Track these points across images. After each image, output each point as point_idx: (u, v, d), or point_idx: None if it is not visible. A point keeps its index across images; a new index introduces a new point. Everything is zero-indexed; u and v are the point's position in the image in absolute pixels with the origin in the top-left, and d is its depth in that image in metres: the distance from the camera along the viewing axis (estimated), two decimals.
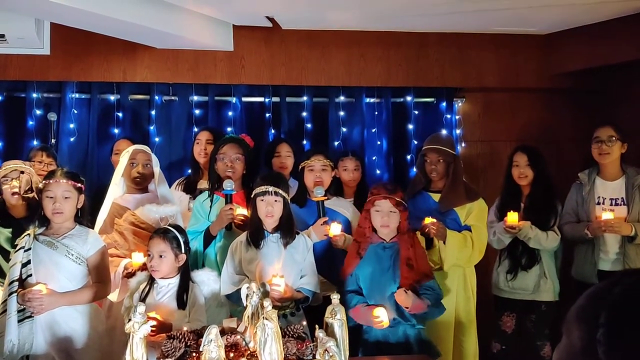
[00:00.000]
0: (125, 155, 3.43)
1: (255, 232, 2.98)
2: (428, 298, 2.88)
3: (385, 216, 2.96)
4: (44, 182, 2.86)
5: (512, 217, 3.47)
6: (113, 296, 3.14)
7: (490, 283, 3.75)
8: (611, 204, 3.55)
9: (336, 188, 3.59)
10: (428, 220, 3.29)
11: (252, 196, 3.02)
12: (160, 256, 2.79)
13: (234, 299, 2.84)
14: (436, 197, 3.51)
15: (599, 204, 3.58)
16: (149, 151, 3.50)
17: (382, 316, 2.79)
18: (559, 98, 4.80)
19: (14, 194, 3.21)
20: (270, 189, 2.92)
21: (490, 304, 3.74)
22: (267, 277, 2.87)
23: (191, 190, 3.72)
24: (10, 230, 3.18)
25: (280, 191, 2.94)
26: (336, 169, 3.69)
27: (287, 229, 2.98)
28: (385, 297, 2.90)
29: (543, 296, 3.58)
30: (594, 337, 0.84)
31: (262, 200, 2.94)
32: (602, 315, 0.85)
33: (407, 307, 2.82)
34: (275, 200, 2.94)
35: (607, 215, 3.43)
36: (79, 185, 2.87)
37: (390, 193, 2.96)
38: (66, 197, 2.81)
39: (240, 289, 2.55)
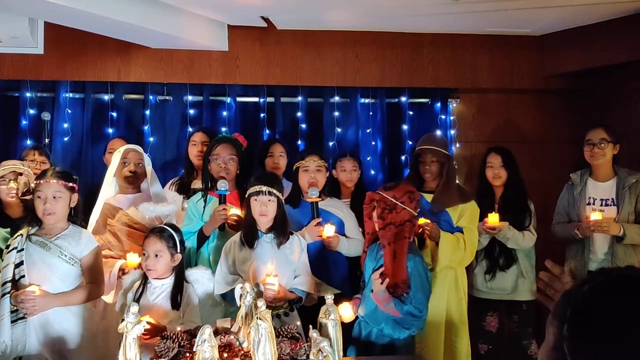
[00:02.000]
0: (117, 154, 3.42)
1: (249, 232, 2.97)
2: (399, 306, 2.78)
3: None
4: (35, 182, 2.85)
5: (493, 218, 3.51)
6: (108, 298, 3.13)
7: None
8: (601, 205, 3.57)
9: (332, 188, 3.59)
10: (422, 221, 3.29)
11: (246, 196, 3.01)
12: (156, 255, 2.78)
13: (229, 298, 2.84)
14: (429, 197, 3.51)
15: (589, 204, 3.60)
16: (141, 150, 3.50)
17: (344, 312, 2.79)
18: (553, 99, 4.81)
19: (10, 195, 3.20)
20: (264, 188, 2.92)
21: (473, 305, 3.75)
22: (260, 277, 2.86)
23: (185, 190, 3.71)
24: (8, 230, 3.16)
25: (274, 191, 2.94)
26: (334, 169, 3.69)
27: (281, 229, 2.98)
28: (365, 296, 2.92)
29: (521, 296, 3.62)
30: (562, 333, 0.86)
31: (256, 200, 2.94)
32: (568, 312, 0.87)
33: (372, 292, 2.80)
34: (269, 200, 2.94)
35: (595, 216, 3.46)
36: (71, 184, 2.85)
37: (386, 190, 2.92)
38: (57, 197, 2.79)
39: (234, 288, 2.54)
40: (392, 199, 2.85)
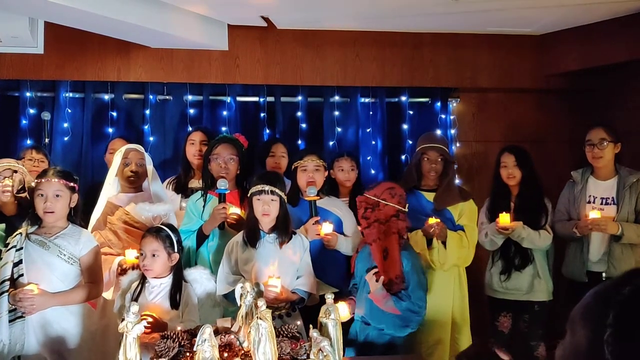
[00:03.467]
0: (118, 154, 3.42)
1: (251, 232, 2.97)
2: (398, 303, 2.79)
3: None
4: (36, 180, 2.85)
5: (504, 218, 3.48)
6: (108, 294, 3.13)
7: (481, 284, 3.75)
8: (601, 203, 3.56)
9: (330, 188, 3.59)
10: (432, 220, 3.31)
11: (248, 195, 3.02)
12: (153, 255, 2.78)
13: (231, 298, 2.83)
14: (429, 195, 3.52)
15: (589, 202, 3.60)
16: (142, 150, 3.50)
17: (340, 311, 2.79)
18: (553, 98, 4.80)
19: (5, 192, 3.19)
20: (267, 188, 2.92)
21: (480, 304, 3.74)
22: (263, 278, 2.86)
23: (182, 189, 3.71)
24: (3, 227, 3.16)
25: (277, 190, 2.94)
26: (332, 169, 3.70)
27: (284, 229, 2.99)
28: (361, 297, 2.93)
29: (537, 296, 3.59)
30: (601, 338, 0.82)
31: (259, 199, 2.94)
32: (611, 316, 0.83)
33: (369, 293, 2.81)
34: (272, 200, 2.94)
35: (593, 214, 3.45)
36: (72, 184, 2.86)
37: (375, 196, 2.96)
38: (58, 196, 2.79)
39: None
40: (373, 197, 2.91)
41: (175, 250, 2.83)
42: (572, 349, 0.89)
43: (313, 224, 3.27)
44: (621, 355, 0.81)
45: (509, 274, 3.60)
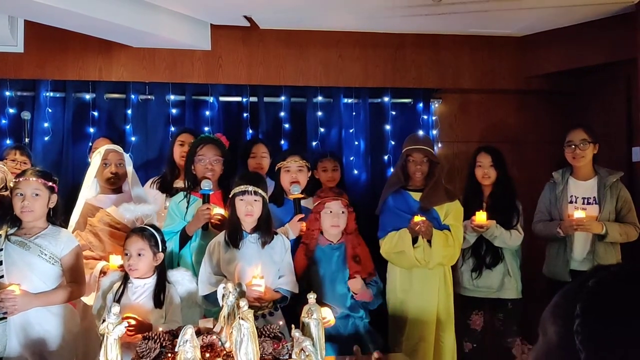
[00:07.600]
0: (97, 155, 3.39)
1: (233, 232, 2.97)
2: (372, 289, 3.16)
3: (335, 217, 3.15)
4: (14, 180, 2.83)
5: (481, 217, 3.53)
6: (89, 299, 3.10)
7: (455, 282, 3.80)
8: (583, 203, 3.61)
9: (313, 188, 3.60)
10: (418, 218, 3.33)
11: (230, 196, 3.01)
12: (139, 254, 2.78)
13: (212, 299, 2.83)
14: (415, 195, 3.54)
15: (571, 202, 3.64)
16: (122, 151, 3.47)
17: (328, 316, 2.85)
18: (534, 99, 4.86)
19: None
20: (250, 188, 2.93)
21: (456, 303, 3.78)
22: (246, 278, 2.87)
23: (167, 189, 3.69)
24: None
25: (260, 191, 2.95)
26: (315, 170, 3.71)
27: (266, 229, 2.99)
28: (336, 296, 3.06)
29: (507, 294, 3.65)
30: (570, 330, 0.85)
31: (242, 199, 2.94)
32: (578, 307, 0.86)
33: (356, 294, 3.07)
34: (255, 200, 2.95)
35: (579, 214, 3.49)
36: (50, 184, 2.83)
37: (337, 196, 3.18)
38: (36, 195, 2.77)
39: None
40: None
41: (160, 249, 2.84)
42: (545, 348, 0.91)
43: (298, 221, 3.28)
44: (590, 342, 0.83)
45: (480, 272, 3.66)
